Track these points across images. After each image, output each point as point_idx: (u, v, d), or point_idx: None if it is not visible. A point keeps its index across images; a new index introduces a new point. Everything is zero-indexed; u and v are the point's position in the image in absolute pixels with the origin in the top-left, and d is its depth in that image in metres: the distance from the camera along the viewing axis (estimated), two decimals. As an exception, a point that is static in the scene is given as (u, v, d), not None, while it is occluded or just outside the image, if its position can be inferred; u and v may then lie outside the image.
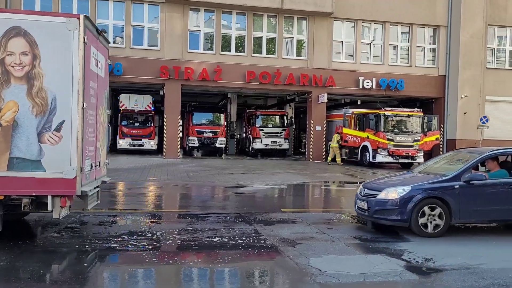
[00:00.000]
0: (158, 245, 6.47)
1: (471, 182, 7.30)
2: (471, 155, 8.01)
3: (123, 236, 6.80)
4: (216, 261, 5.78)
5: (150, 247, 6.30)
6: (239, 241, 6.68)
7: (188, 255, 6.14)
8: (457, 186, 7.27)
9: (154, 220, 8.41)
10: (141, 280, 5.16)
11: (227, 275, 5.44)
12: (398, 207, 7.22)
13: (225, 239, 6.74)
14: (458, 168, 7.55)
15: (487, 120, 23.32)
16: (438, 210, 7.17)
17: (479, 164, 8.00)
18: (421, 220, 7.14)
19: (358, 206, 7.96)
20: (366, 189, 7.94)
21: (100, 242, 6.42)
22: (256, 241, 6.73)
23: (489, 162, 7.97)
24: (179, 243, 6.65)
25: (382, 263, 5.75)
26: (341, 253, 6.22)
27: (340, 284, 4.99)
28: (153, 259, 5.79)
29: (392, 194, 7.37)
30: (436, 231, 7.17)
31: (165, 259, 5.85)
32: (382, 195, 7.46)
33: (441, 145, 24.58)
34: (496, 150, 8.05)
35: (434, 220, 7.16)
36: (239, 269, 5.66)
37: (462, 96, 24.05)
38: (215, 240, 6.72)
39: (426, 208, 7.14)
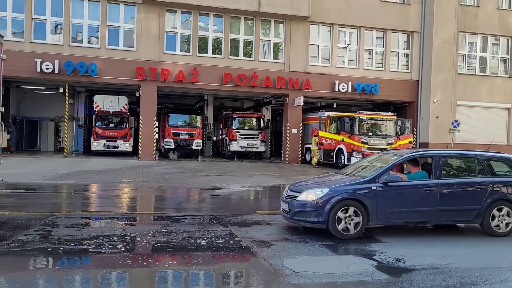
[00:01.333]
0: (131, 247, 6.41)
1: (388, 184, 7.28)
2: (391, 157, 8.06)
3: (96, 238, 6.70)
4: (191, 263, 5.77)
5: (123, 249, 6.23)
6: (213, 243, 6.68)
7: (162, 257, 6.10)
8: (375, 188, 7.24)
9: (128, 222, 8.33)
10: (114, 283, 5.09)
11: (201, 277, 5.43)
12: (315, 209, 7.13)
13: (200, 241, 6.73)
14: (376, 170, 7.57)
15: (458, 124, 23.93)
16: (353, 211, 7.09)
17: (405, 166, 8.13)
18: (339, 224, 7.06)
19: (282, 208, 7.81)
20: (289, 191, 7.81)
21: (72, 244, 6.31)
22: (230, 242, 6.74)
23: (409, 164, 8.05)
24: (153, 245, 6.60)
25: (354, 264, 5.85)
26: (315, 254, 6.30)
27: (313, 284, 5.05)
28: (127, 261, 5.73)
29: (311, 195, 7.26)
30: (353, 232, 7.10)
31: (139, 261, 5.80)
32: (302, 197, 7.33)
33: (414, 148, 25.12)
34: (415, 152, 8.17)
35: (352, 220, 7.10)
36: (213, 271, 5.66)
37: (434, 100, 24.65)
38: (189, 242, 6.70)
39: (341, 212, 7.06)
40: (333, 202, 7.06)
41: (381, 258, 6.16)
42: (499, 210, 7.68)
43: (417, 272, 5.58)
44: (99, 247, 6.23)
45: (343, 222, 7.09)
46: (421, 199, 7.45)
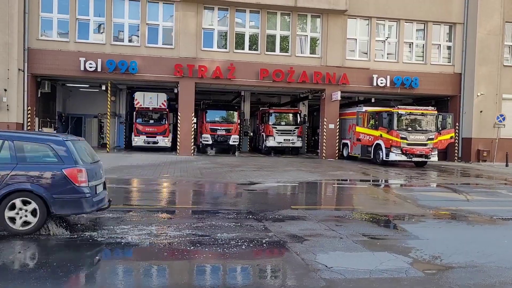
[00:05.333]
0: (170, 240, 6.60)
1: None
2: None
3: (137, 231, 6.95)
4: (225, 256, 5.88)
5: (162, 242, 6.44)
6: (248, 237, 6.78)
7: (198, 250, 6.25)
8: None
9: (166, 216, 8.56)
10: (154, 275, 5.29)
11: (235, 270, 5.54)
12: None
13: (234, 235, 6.84)
14: None
15: (504, 119, 23.03)
16: None
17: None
18: None
19: None
20: None
21: (115, 236, 6.58)
22: (264, 237, 6.82)
23: None
24: (190, 238, 6.77)
25: (389, 260, 5.79)
26: (349, 250, 6.28)
27: (345, 280, 5.05)
28: (165, 254, 5.93)
29: None
30: None
31: (176, 254, 5.98)
32: None
33: (456, 144, 24.33)
34: None
35: None
36: (246, 265, 5.76)
37: (478, 94, 23.75)
38: (224, 235, 6.83)
39: None
40: None
41: (417, 255, 6.07)
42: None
43: (454, 270, 5.47)
44: (139, 240, 6.47)
45: None
46: None
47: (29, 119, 21.28)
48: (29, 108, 21.22)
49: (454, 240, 7.08)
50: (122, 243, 6.29)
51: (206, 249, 6.22)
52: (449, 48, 24.98)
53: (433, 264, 5.76)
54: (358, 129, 21.77)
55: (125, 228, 7.09)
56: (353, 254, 6.11)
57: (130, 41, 22.49)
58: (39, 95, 22.48)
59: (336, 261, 5.68)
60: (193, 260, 5.82)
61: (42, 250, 6.14)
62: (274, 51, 23.40)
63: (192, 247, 6.28)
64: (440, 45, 24.89)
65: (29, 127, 21.29)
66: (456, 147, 24.54)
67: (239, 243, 6.44)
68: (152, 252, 5.98)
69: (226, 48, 22.98)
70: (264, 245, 6.45)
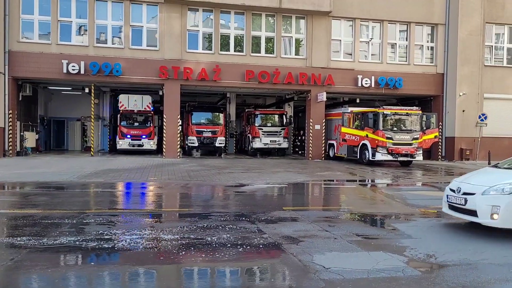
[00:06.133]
0: (159, 244, 6.51)
1: None
2: None
3: (126, 235, 6.84)
4: (221, 259, 5.82)
5: (152, 246, 6.34)
6: (243, 239, 6.73)
7: (191, 253, 6.17)
8: None
9: (156, 220, 8.46)
10: (143, 279, 5.20)
11: (232, 273, 5.48)
12: None
13: (229, 238, 6.79)
14: None
15: (485, 118, 23.46)
16: None
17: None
18: None
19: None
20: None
21: (103, 241, 6.46)
22: (259, 239, 6.78)
23: None
24: (182, 242, 6.68)
25: (385, 260, 5.81)
26: (344, 250, 6.28)
27: (344, 280, 5.04)
28: (154, 258, 5.83)
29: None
30: None
31: (167, 258, 5.89)
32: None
33: (439, 143, 24.70)
34: None
35: None
36: (244, 267, 5.70)
37: (461, 93, 24.17)
38: (218, 238, 6.76)
39: None
40: None
41: (411, 254, 6.10)
42: None
43: (449, 268, 5.51)
44: (128, 244, 6.36)
45: None
46: None
47: (10, 123, 20.84)
48: (11, 112, 20.79)
49: (446, 238, 7.15)
50: (110, 247, 6.17)
51: (200, 252, 6.15)
52: (431, 48, 25.37)
53: (428, 263, 5.80)
54: (343, 129, 21.91)
55: (114, 232, 6.96)
56: (349, 254, 6.11)
57: (113, 43, 22.25)
58: (20, 99, 22.05)
59: (333, 262, 5.67)
60: (188, 264, 5.74)
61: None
62: (260, 52, 23.43)
63: (186, 251, 6.20)
64: (422, 45, 25.28)
65: (10, 132, 20.85)
66: (440, 146, 24.92)
67: (235, 246, 6.37)
68: (142, 255, 5.88)
69: (211, 49, 22.91)
70: (260, 247, 6.41)
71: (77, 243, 6.38)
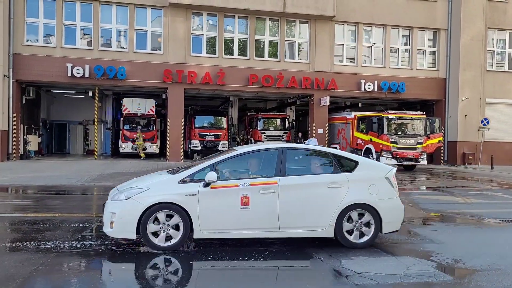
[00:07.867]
0: (187, 244, 6.48)
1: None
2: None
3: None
4: (250, 259, 5.79)
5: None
6: (267, 243, 6.70)
7: (217, 258, 6.15)
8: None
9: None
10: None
11: (264, 275, 5.46)
12: None
13: (257, 240, 6.74)
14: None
15: (488, 122, 23.59)
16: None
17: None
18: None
19: None
20: None
21: (125, 245, 6.42)
22: (283, 243, 6.76)
23: None
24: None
25: (414, 264, 5.81)
26: (371, 255, 6.27)
27: (378, 285, 5.04)
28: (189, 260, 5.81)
29: None
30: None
31: (190, 259, 5.87)
32: None
33: (442, 147, 24.80)
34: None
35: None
36: (278, 270, 5.69)
37: (463, 98, 24.31)
38: (246, 241, 6.72)
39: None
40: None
41: (439, 259, 6.11)
42: None
43: (481, 273, 5.52)
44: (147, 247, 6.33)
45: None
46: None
47: (14, 127, 20.74)
48: (15, 115, 20.69)
49: (469, 243, 7.18)
50: (131, 251, 6.14)
51: (225, 253, 6.12)
52: (433, 53, 25.52)
53: (458, 268, 5.82)
54: (356, 134, 21.94)
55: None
56: (377, 259, 6.11)
57: (118, 46, 22.20)
58: (23, 102, 21.95)
59: (363, 266, 5.67)
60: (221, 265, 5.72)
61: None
62: (263, 56, 23.46)
63: (218, 252, 6.18)
64: (425, 50, 25.42)
65: (14, 135, 20.75)
66: (442, 151, 25.02)
67: (262, 249, 6.34)
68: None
69: (215, 53, 22.92)
70: (287, 253, 6.39)
71: (102, 247, 6.35)
